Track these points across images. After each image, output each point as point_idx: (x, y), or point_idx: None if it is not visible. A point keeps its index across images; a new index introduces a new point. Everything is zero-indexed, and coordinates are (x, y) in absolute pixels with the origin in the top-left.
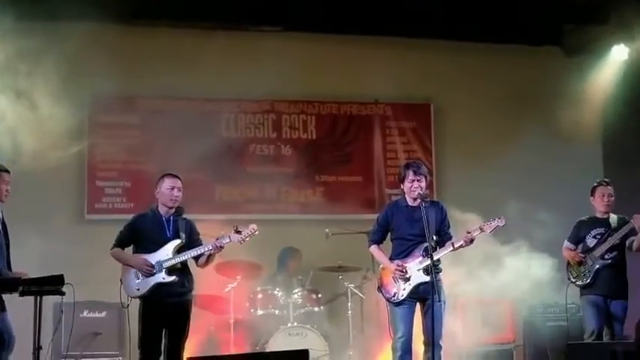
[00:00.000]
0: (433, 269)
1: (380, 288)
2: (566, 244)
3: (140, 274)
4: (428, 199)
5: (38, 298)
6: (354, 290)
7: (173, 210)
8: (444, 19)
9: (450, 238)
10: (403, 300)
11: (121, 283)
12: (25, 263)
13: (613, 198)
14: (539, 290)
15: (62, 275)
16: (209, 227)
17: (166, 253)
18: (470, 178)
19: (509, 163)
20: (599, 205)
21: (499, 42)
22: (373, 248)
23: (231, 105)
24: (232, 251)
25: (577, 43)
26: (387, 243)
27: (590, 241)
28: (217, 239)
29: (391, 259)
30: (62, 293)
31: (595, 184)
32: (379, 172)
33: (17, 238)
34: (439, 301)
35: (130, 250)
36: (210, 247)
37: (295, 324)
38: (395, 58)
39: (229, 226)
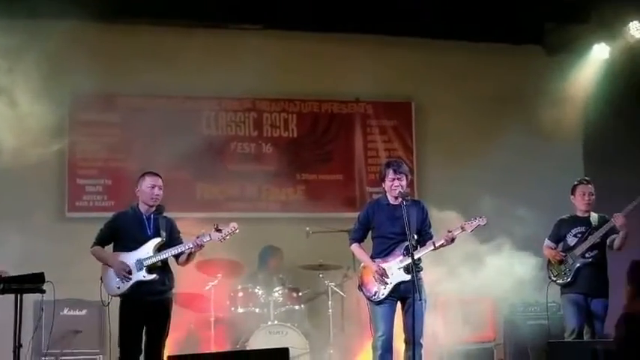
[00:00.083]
0: (414, 268)
1: (361, 287)
2: (547, 242)
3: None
4: (409, 197)
5: (18, 296)
6: (335, 289)
7: (154, 208)
8: (425, 18)
9: (431, 237)
10: (384, 299)
11: (102, 281)
12: (5, 261)
13: (594, 197)
14: (520, 289)
15: (43, 273)
16: (190, 225)
17: (147, 251)
18: (451, 176)
19: (490, 162)
20: (579, 203)
21: (480, 40)
22: (354, 247)
23: (211, 103)
24: (213, 249)
25: (558, 42)
26: (368, 241)
27: (571, 240)
28: (198, 237)
29: (372, 257)
30: (42, 291)
31: (575, 183)
32: (360, 171)
33: None
34: (420, 299)
35: (110, 248)
36: (191, 246)
37: (276, 322)
38: (376, 56)
39: (210, 224)
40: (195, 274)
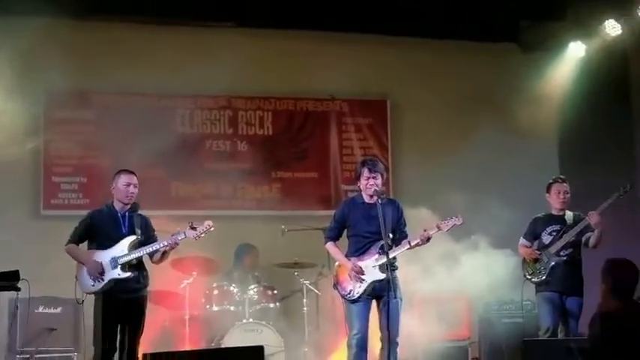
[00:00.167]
0: (389, 267)
1: (336, 285)
2: (522, 241)
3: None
4: (384, 196)
5: None
6: (310, 287)
7: (129, 206)
8: (400, 16)
9: (406, 236)
10: (359, 297)
11: (77, 279)
12: None
13: (569, 195)
14: (495, 287)
15: (17, 271)
16: (165, 223)
17: (122, 249)
18: (426, 174)
19: (466, 160)
20: (554, 201)
21: (456, 38)
22: (329, 245)
23: (186, 101)
24: (188, 247)
25: (534, 40)
26: (344, 239)
27: (546, 238)
28: (172, 235)
29: (347, 256)
30: (17, 289)
31: (550, 181)
32: (335, 169)
33: None
34: (395, 298)
35: (85, 245)
36: (165, 244)
37: (251, 320)
38: (351, 54)
39: (185, 222)
40: (171, 271)
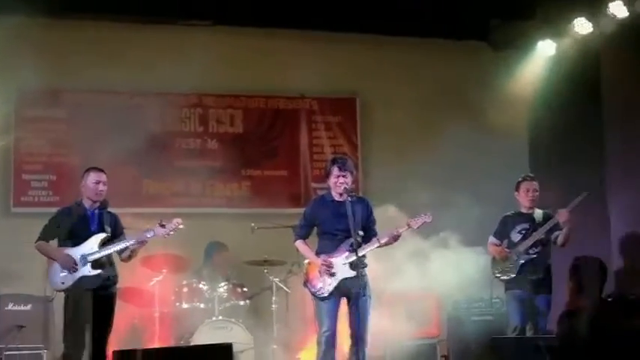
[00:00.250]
0: (359, 264)
1: (306, 282)
2: (492, 239)
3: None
4: (353, 194)
5: None
6: (280, 284)
7: (98, 203)
8: (370, 14)
9: (376, 234)
10: (329, 294)
11: (46, 276)
12: None
13: (538, 193)
14: (465, 285)
15: None
16: (135, 221)
17: (91, 246)
18: (396, 172)
19: (436, 158)
20: (523, 200)
21: (426, 36)
22: (299, 243)
23: (157, 99)
24: (158, 245)
25: (504, 38)
26: (314, 237)
27: (515, 236)
28: (142, 233)
29: (317, 254)
30: None
31: (520, 179)
32: (305, 167)
33: None
34: (364, 295)
35: (55, 243)
36: (134, 241)
37: (220, 318)
38: (321, 52)
39: (155, 219)
40: (140, 269)
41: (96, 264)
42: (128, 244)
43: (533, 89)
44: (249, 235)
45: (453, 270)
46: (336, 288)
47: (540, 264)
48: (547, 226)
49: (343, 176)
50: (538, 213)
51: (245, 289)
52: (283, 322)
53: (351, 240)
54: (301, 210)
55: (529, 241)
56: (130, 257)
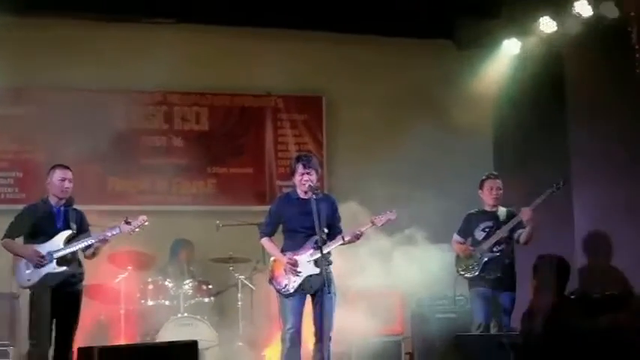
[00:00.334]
0: (323, 262)
1: (271, 280)
2: (456, 237)
3: (31, 265)
4: (319, 192)
5: None
6: (245, 281)
7: (64, 201)
8: (336, 12)
9: (340, 231)
10: (294, 292)
11: (12, 273)
12: None
13: (501, 191)
14: (430, 282)
15: None
16: (101, 218)
17: (57, 243)
18: (361, 170)
19: (401, 156)
20: (487, 198)
21: (391, 35)
22: (264, 241)
23: (122, 96)
24: (124, 242)
25: (469, 37)
26: (279, 234)
27: (479, 234)
28: (106, 230)
29: (283, 251)
30: None
31: (483, 178)
32: (270, 165)
33: None
34: (329, 293)
35: (20, 240)
36: (100, 238)
37: (186, 315)
38: (287, 50)
39: (121, 217)
40: (106, 266)
41: (61, 261)
42: (93, 241)
43: (498, 88)
44: (215, 233)
45: (417, 267)
46: (300, 285)
47: (504, 262)
48: (510, 225)
49: (308, 174)
50: (502, 211)
51: (210, 287)
52: (248, 319)
53: (316, 237)
54: (267, 207)
55: (493, 239)
56: (93, 255)
